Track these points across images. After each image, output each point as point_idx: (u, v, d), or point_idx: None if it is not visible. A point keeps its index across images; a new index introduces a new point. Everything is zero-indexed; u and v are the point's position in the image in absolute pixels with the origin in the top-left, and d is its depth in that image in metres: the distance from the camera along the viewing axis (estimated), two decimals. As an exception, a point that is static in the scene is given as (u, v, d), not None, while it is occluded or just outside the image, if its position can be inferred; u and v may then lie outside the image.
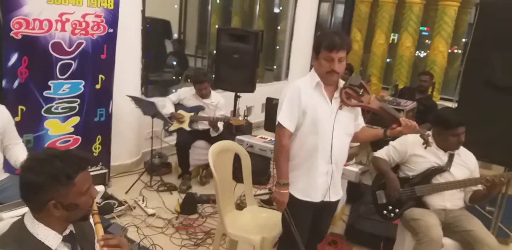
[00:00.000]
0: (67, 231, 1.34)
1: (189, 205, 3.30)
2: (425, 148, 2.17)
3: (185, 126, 3.85)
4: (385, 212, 2.56)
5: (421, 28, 6.08)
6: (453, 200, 2.47)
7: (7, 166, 2.42)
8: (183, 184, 3.75)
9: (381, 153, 2.64)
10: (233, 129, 4.05)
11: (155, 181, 3.74)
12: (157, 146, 4.05)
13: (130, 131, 4.00)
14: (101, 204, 2.96)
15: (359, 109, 2.17)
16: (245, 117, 3.91)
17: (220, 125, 3.83)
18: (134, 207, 3.28)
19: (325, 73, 1.97)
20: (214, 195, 3.45)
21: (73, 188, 1.26)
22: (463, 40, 6.13)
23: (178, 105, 3.95)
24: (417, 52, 6.27)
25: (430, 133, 2.55)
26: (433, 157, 2.50)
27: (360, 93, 2.06)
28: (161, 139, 4.20)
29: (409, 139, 2.54)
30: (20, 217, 1.33)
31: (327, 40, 1.93)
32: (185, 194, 3.44)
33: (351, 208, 3.36)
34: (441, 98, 5.73)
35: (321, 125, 2.00)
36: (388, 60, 6.42)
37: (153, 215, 3.20)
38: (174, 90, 4.08)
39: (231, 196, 2.77)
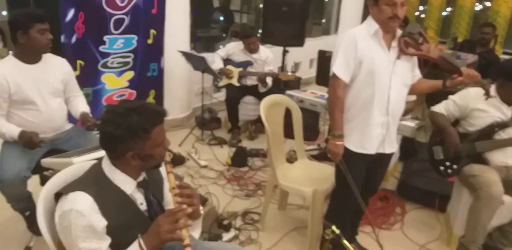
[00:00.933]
0: (140, 178, 1.41)
1: (239, 158, 3.39)
2: (486, 99, 2.07)
3: (234, 81, 3.86)
4: (442, 168, 2.49)
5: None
6: (516, 157, 2.36)
7: (70, 117, 2.56)
8: (233, 138, 3.83)
9: (439, 107, 2.53)
10: (281, 84, 4.02)
11: (206, 135, 3.85)
12: (207, 102, 4.12)
13: (181, 86, 4.07)
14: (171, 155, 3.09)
15: (416, 59, 2.07)
16: (293, 73, 3.85)
17: (269, 80, 3.81)
18: (188, 159, 3.41)
19: (387, 19, 1.87)
20: (263, 149, 3.54)
21: (149, 140, 1.30)
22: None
23: (226, 61, 3.94)
24: (477, 3, 5.76)
25: (492, 86, 2.40)
26: (496, 111, 2.36)
27: (420, 41, 1.95)
28: (210, 95, 4.25)
29: (471, 93, 2.40)
30: (96, 162, 1.42)
31: None
32: (235, 148, 3.52)
33: (404, 165, 3.30)
34: (504, 53, 5.31)
35: (378, 75, 1.93)
36: (445, 12, 5.97)
37: (205, 166, 3.33)
38: (220, 46, 4.06)
39: (282, 149, 2.80)
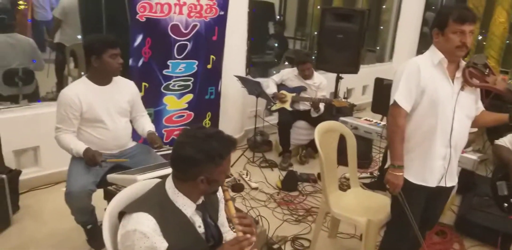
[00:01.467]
0: (200, 201, 1.47)
1: (290, 182, 3.39)
2: None
3: (287, 105, 3.92)
4: (506, 204, 2.36)
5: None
6: None
7: (133, 135, 2.70)
8: (283, 162, 3.85)
9: (504, 141, 2.43)
10: (334, 110, 4.02)
11: (257, 157, 3.91)
12: (259, 124, 4.19)
13: (235, 109, 4.19)
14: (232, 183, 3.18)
15: (479, 91, 2.02)
16: (346, 99, 3.85)
17: (322, 106, 3.83)
18: (239, 180, 3.46)
19: (455, 48, 1.85)
20: (313, 175, 3.52)
21: (220, 167, 1.37)
22: None
23: (280, 86, 4.03)
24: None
25: None
26: None
27: (486, 73, 1.91)
28: (263, 118, 4.33)
29: (540, 127, 2.28)
30: (159, 182, 1.47)
31: (458, 12, 1.82)
32: (286, 171, 3.53)
33: (462, 199, 3.16)
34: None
35: (441, 105, 1.89)
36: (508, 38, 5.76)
37: (256, 188, 3.36)
38: (274, 72, 4.17)
39: (334, 176, 2.77)
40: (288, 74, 4.02)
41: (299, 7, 6.91)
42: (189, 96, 3.56)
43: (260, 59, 5.89)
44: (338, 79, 4.32)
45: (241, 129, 4.38)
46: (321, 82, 3.96)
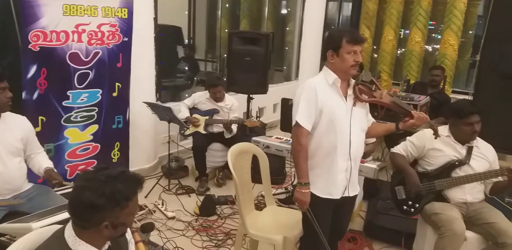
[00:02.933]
0: (106, 246, 1.36)
1: (207, 207, 3.35)
2: (436, 138, 2.18)
3: (201, 129, 3.90)
4: (405, 207, 2.56)
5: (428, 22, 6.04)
6: (473, 193, 2.47)
7: (30, 175, 2.49)
8: (200, 186, 3.80)
9: (399, 149, 2.65)
10: (247, 130, 4.09)
11: (173, 184, 3.80)
12: (174, 150, 4.11)
13: (147, 136, 4.06)
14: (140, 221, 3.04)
15: (368, 105, 2.19)
16: (258, 118, 3.95)
17: (234, 127, 3.88)
18: (154, 211, 3.33)
19: (350, 67, 2.00)
20: (231, 196, 3.52)
21: (127, 209, 1.27)
22: (470, 32, 6.08)
23: (193, 109, 4.01)
24: (426, 46, 6.23)
25: (446, 126, 2.55)
26: (452, 150, 2.50)
27: (373, 88, 2.09)
28: (177, 143, 4.25)
29: (427, 134, 2.54)
30: (58, 230, 1.35)
31: (349, 35, 1.98)
32: (204, 196, 3.48)
33: (369, 204, 3.37)
34: (453, 92, 5.67)
35: (338, 122, 2.03)
36: (397, 54, 6.41)
37: (173, 218, 3.25)
38: (186, 95, 4.15)
39: (250, 196, 2.80)
40: (200, 97, 4.03)
41: (208, 30, 7.02)
42: (94, 127, 3.38)
43: (171, 83, 5.83)
44: (249, 99, 4.42)
45: (154, 157, 4.25)
46: (233, 104, 4.02)
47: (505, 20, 2.67)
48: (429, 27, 6.12)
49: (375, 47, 6.50)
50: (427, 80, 4.62)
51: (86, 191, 1.23)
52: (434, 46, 6.27)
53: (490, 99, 2.71)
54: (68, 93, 3.17)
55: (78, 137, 3.31)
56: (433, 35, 6.34)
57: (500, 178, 2.47)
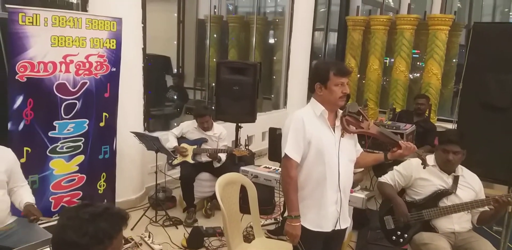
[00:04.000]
0: None
1: (195, 239, 3.27)
2: (424, 167, 2.20)
3: (189, 158, 3.88)
4: (394, 237, 2.54)
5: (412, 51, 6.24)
6: (461, 222, 2.47)
7: (13, 209, 2.43)
8: (188, 218, 3.73)
9: (386, 178, 2.66)
10: (236, 159, 4.07)
11: (160, 215, 3.72)
12: (161, 180, 4.05)
13: (134, 166, 4.02)
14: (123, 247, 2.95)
15: (356, 136, 2.21)
16: (247, 147, 3.94)
17: (223, 155, 3.87)
18: (141, 244, 3.24)
19: (338, 98, 2.02)
20: (220, 228, 3.45)
21: (110, 247, 1.24)
22: (454, 60, 6.29)
23: (181, 139, 4.00)
24: (410, 75, 6.40)
25: (432, 156, 2.58)
26: (438, 180, 2.52)
27: (360, 119, 2.11)
28: (164, 173, 4.21)
29: (413, 163, 2.56)
30: None
31: (336, 67, 2.02)
32: (191, 228, 3.41)
33: (359, 234, 3.34)
34: (438, 119, 5.78)
35: (327, 153, 2.03)
36: (383, 82, 6.56)
37: (160, 251, 3.17)
38: (175, 124, 4.15)
39: (238, 228, 2.76)
40: (188, 127, 4.03)
41: (197, 59, 7.13)
42: (80, 158, 3.34)
43: (160, 112, 5.85)
44: (238, 128, 4.43)
45: (141, 187, 4.18)
46: (221, 133, 4.02)
47: (484, 51, 2.76)
48: (414, 55, 6.32)
49: (359, 76, 6.65)
50: (412, 108, 4.71)
51: (68, 230, 1.20)
52: (419, 74, 6.44)
53: (474, 127, 2.75)
54: (54, 123, 3.15)
55: (64, 167, 3.26)
56: (418, 63, 6.53)
57: (486, 208, 2.48)
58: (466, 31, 6.18)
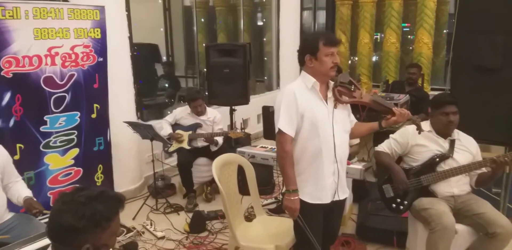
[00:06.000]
0: None
1: (197, 223, 3.28)
2: (419, 133, 2.18)
3: (185, 144, 3.86)
4: (394, 205, 2.54)
5: (402, 24, 6.16)
6: (459, 186, 2.46)
7: (11, 205, 2.42)
8: (189, 203, 3.73)
9: (383, 147, 2.64)
10: (232, 142, 4.06)
11: (161, 203, 3.72)
12: (159, 169, 4.05)
13: (130, 157, 4.00)
14: (125, 242, 2.96)
15: (349, 106, 2.19)
16: (243, 130, 3.92)
17: (220, 138, 3.85)
18: (143, 232, 3.25)
19: (329, 69, 2.00)
20: (221, 211, 3.45)
21: (108, 229, 1.24)
22: (444, 31, 6.21)
23: (175, 126, 3.97)
24: (402, 48, 6.34)
25: (427, 122, 2.56)
26: (435, 145, 2.50)
27: (352, 89, 2.09)
28: (161, 161, 4.20)
29: (409, 130, 2.54)
30: None
31: (325, 37, 1.98)
32: (193, 213, 3.42)
33: (359, 207, 3.35)
34: (432, 89, 5.75)
35: (321, 126, 2.01)
36: (374, 58, 6.50)
37: (162, 237, 3.17)
38: (169, 112, 4.11)
39: (239, 208, 2.76)
40: (181, 113, 3.99)
41: (186, 46, 7.05)
42: (75, 151, 3.32)
43: (153, 102, 5.81)
44: (232, 111, 4.40)
45: (140, 177, 4.17)
46: (215, 116, 3.99)
47: (474, 13, 2.69)
48: (405, 29, 6.25)
49: (350, 52, 6.58)
50: (404, 78, 4.67)
51: (64, 213, 1.19)
52: (411, 48, 6.38)
53: (468, 92, 2.71)
54: (45, 118, 3.11)
55: (59, 162, 3.24)
56: (409, 36, 6.46)
57: (484, 169, 2.47)
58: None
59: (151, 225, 3.32)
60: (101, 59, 3.40)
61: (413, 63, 5.14)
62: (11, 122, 2.95)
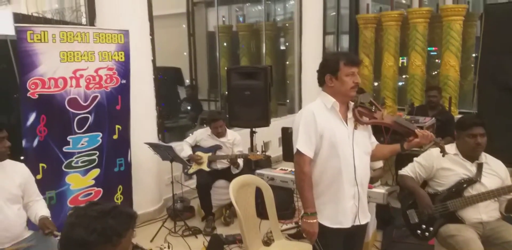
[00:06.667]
0: None
1: (215, 247, 3.21)
2: (443, 155, 2.09)
3: (204, 166, 3.84)
4: (419, 231, 2.42)
5: (429, 48, 6.10)
6: (488, 212, 2.33)
7: (31, 223, 2.44)
8: (207, 226, 3.67)
9: (407, 170, 2.55)
10: (252, 164, 4.01)
11: (179, 226, 3.68)
12: (178, 191, 4.03)
13: (150, 178, 4.01)
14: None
15: (370, 127, 2.13)
16: (263, 152, 3.88)
17: (240, 161, 3.81)
18: (161, 255, 3.19)
19: (350, 89, 1.97)
20: (239, 235, 3.36)
21: (119, 246, 1.23)
22: (473, 55, 6.10)
23: (195, 147, 3.98)
24: (429, 71, 6.24)
25: (453, 144, 2.46)
26: (461, 168, 2.40)
27: (373, 110, 2.04)
28: (181, 183, 4.18)
29: (434, 153, 2.45)
30: None
31: (346, 57, 1.97)
32: (210, 236, 3.35)
33: (384, 234, 3.22)
34: (460, 112, 5.58)
35: (340, 147, 1.96)
36: (400, 83, 6.42)
37: (180, 261, 3.12)
38: (191, 135, 4.13)
39: (257, 232, 2.68)
40: (202, 134, 4.01)
41: (209, 70, 7.19)
42: (96, 172, 3.34)
43: (175, 124, 5.88)
44: (252, 133, 4.39)
45: (159, 199, 4.16)
46: (235, 138, 3.98)
47: (498, 32, 2.65)
48: (432, 53, 6.17)
49: (374, 75, 6.52)
50: (425, 102, 4.54)
51: (76, 227, 1.20)
52: (437, 72, 6.27)
53: (494, 113, 2.63)
54: (68, 138, 3.17)
55: (80, 182, 3.27)
56: (437, 60, 6.36)
57: (514, 194, 2.33)
58: (480, 21, 6.01)
59: (168, 248, 3.24)
60: (124, 81, 3.48)
61: (433, 86, 5.02)
62: (35, 142, 3.02)
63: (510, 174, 2.43)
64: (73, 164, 3.21)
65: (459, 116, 5.08)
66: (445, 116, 4.20)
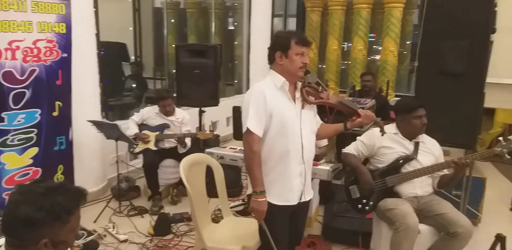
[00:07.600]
0: None
1: (162, 226, 3.19)
2: (382, 135, 2.21)
3: (151, 145, 3.76)
4: (359, 206, 2.58)
5: (369, 34, 6.34)
6: (423, 187, 2.53)
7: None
8: (154, 206, 3.63)
9: (350, 149, 2.68)
10: (201, 143, 4.00)
11: (124, 206, 3.60)
12: (123, 170, 3.92)
13: (94, 157, 3.86)
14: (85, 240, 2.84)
15: (315, 107, 2.19)
16: (212, 131, 3.87)
17: (188, 140, 3.78)
18: (105, 235, 3.12)
19: (298, 68, 1.98)
20: (187, 213, 3.39)
21: (68, 224, 1.17)
22: (408, 42, 6.44)
23: (142, 126, 3.88)
24: (369, 57, 6.52)
25: (393, 124, 2.62)
26: (400, 147, 2.56)
27: (319, 90, 2.09)
28: (126, 163, 4.08)
29: (376, 132, 2.57)
30: None
31: (298, 36, 1.98)
32: (157, 215, 3.33)
33: (325, 208, 3.38)
34: (396, 96, 5.93)
35: (289, 126, 1.99)
36: (342, 67, 6.64)
37: (125, 241, 3.07)
38: (135, 114, 4.01)
39: (206, 210, 2.70)
40: (149, 112, 3.90)
41: (155, 47, 6.94)
42: (34, 150, 3.16)
43: (118, 102, 5.65)
44: (201, 113, 4.35)
45: (103, 178, 4.03)
46: (184, 117, 3.93)
47: (440, 18, 2.76)
48: (370, 39, 6.41)
49: (318, 58, 6.69)
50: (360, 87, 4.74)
51: (22, 205, 1.12)
52: (376, 57, 6.56)
53: (431, 96, 2.79)
54: (2, 115, 2.96)
55: (16, 161, 3.08)
56: (375, 47, 6.65)
57: (446, 171, 2.55)
58: (418, 11, 6.32)
59: (113, 228, 3.20)
60: (65, 55, 3.28)
61: (367, 71, 5.24)
62: (-35, 119, 2.79)
63: (443, 153, 2.64)
64: (8, 142, 3.02)
65: (396, 99, 5.40)
66: (380, 100, 4.43)
